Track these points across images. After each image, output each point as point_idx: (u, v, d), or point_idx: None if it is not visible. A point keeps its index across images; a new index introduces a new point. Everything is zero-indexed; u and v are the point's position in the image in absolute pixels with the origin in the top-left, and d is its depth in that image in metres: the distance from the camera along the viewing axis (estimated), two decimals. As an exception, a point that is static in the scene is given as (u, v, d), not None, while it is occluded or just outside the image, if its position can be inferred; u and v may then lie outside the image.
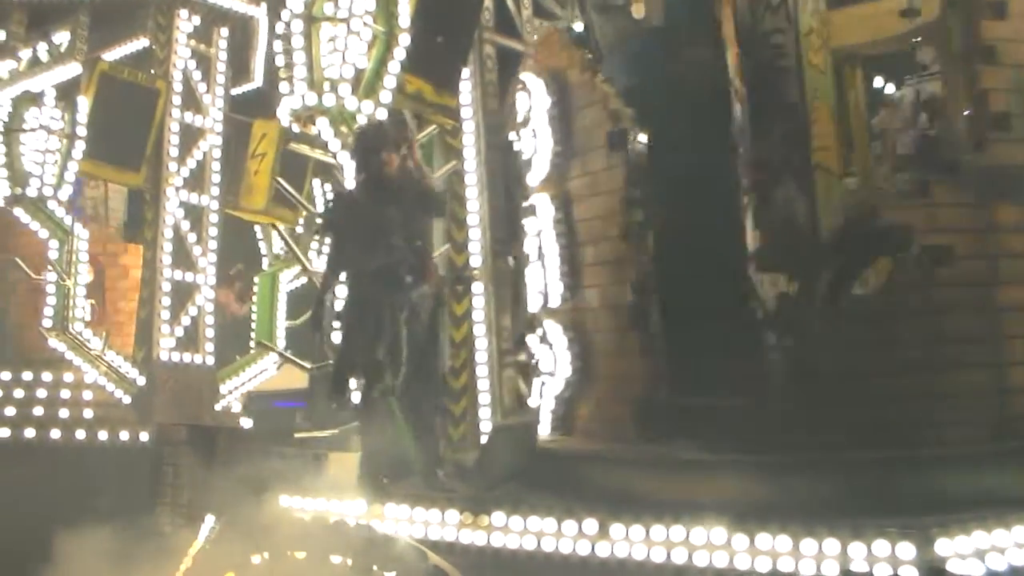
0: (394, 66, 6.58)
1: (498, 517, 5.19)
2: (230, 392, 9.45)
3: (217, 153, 9.37)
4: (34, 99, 8.30)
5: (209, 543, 5.98)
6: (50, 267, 8.28)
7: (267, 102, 10.04)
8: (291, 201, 9.75)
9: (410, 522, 5.54)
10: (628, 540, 4.68)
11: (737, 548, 4.38)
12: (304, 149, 7.19)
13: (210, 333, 9.21)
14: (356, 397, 5.92)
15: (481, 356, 7.26)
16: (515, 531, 5.11)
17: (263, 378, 9.77)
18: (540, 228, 6.08)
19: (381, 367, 5.71)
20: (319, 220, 6.15)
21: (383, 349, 5.71)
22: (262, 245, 10.40)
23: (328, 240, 6.79)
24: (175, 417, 8.74)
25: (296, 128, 6.95)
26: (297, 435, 7.69)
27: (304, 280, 10.17)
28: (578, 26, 7.78)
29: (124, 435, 8.36)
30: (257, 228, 10.33)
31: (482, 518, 5.27)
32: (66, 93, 8.31)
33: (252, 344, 9.87)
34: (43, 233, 8.30)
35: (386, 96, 6.56)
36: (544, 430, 5.97)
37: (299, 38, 6.51)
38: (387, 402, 5.78)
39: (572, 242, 5.99)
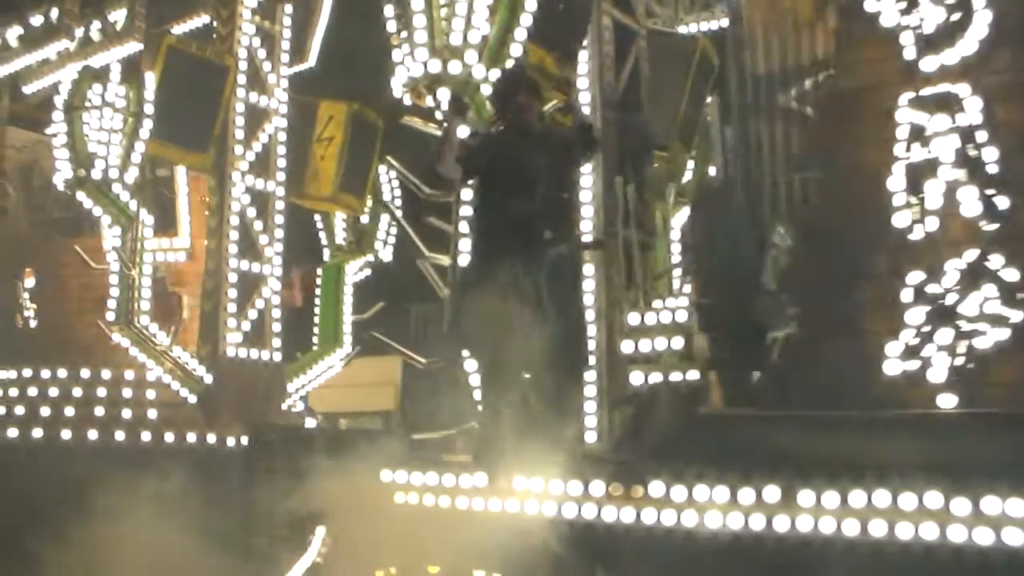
0: (520, 33, 5.99)
1: (656, 487, 4.55)
2: (296, 391, 8.83)
3: (282, 136, 8.73)
4: (97, 76, 7.67)
5: (322, 557, 5.35)
6: (112, 256, 7.66)
7: (323, 84, 9.53)
8: (359, 188, 9.17)
9: (542, 497, 4.87)
10: (819, 509, 4.12)
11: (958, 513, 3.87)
12: (416, 122, 6.56)
13: (277, 328, 8.58)
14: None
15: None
16: (676, 503, 4.48)
17: (329, 375, 9.15)
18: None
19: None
20: (459, 164, 5.50)
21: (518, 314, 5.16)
22: (322, 235, 9.76)
23: (467, 192, 6.03)
24: (242, 418, 8.12)
25: (407, 100, 6.30)
26: (415, 436, 7.05)
27: (368, 272, 9.59)
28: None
29: (191, 437, 7.73)
30: (317, 217, 9.70)
31: (635, 489, 4.61)
32: (132, 70, 7.68)
33: (315, 339, 9.27)
34: (105, 219, 7.68)
35: (511, 66, 5.96)
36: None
37: (419, 1, 5.93)
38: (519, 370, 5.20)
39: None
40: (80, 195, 7.55)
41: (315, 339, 9.24)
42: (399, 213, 9.40)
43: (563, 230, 5.38)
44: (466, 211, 5.92)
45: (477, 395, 5.76)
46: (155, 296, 7.84)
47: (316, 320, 9.25)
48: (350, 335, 9.14)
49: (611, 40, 6.74)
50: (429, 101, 6.13)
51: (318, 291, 9.39)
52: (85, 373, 7.99)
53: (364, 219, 9.39)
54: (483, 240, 5.50)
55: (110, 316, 7.62)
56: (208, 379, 7.93)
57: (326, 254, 9.59)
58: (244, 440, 7.89)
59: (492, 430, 5.36)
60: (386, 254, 9.46)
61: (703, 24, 8.11)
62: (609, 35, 6.73)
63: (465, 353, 5.81)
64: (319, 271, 9.41)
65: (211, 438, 7.80)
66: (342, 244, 9.49)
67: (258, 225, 8.48)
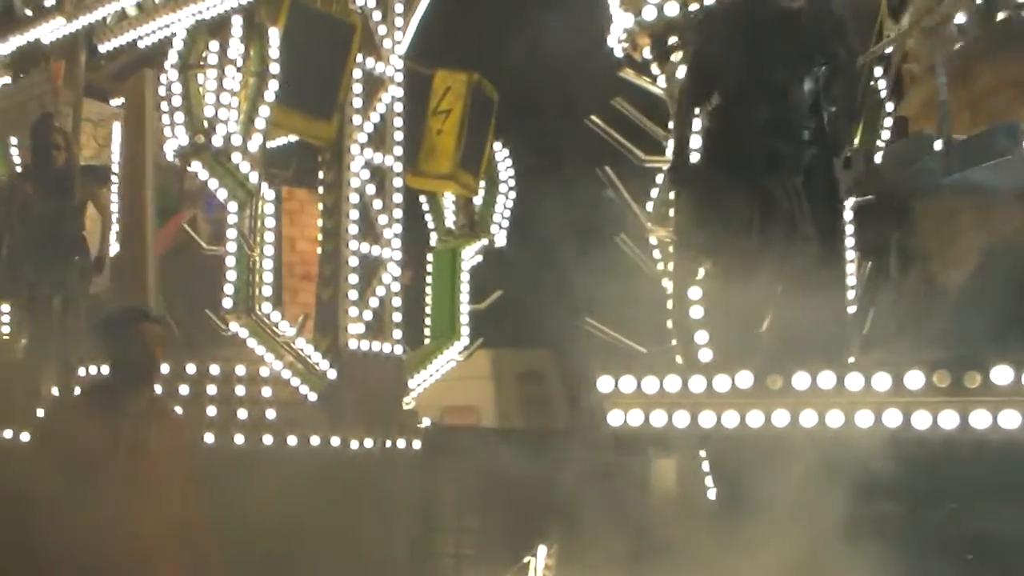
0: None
1: (1001, 373, 3.66)
2: (418, 387, 7.87)
3: (399, 107, 7.79)
4: (215, 30, 6.69)
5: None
6: (232, 236, 6.65)
7: (440, 52, 8.58)
8: (474, 166, 8.21)
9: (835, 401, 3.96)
10: None
11: None
12: (629, 74, 5.61)
13: (397, 317, 7.62)
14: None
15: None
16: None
17: (447, 369, 8.19)
18: None
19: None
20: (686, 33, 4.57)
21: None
22: (427, 217, 8.76)
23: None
24: (365, 418, 7.16)
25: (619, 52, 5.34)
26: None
27: (480, 259, 8.63)
28: None
29: (315, 440, 6.73)
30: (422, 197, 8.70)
31: (970, 377, 3.72)
32: (253, 24, 6.66)
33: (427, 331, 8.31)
34: (221, 193, 6.67)
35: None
36: None
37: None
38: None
39: None
40: (195, 165, 6.53)
41: (427, 331, 8.30)
42: (507, 189, 8.47)
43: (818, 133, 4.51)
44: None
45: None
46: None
47: (428, 310, 8.30)
48: (467, 326, 8.18)
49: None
50: (646, 53, 5.22)
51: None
52: (191, 368, 7.01)
53: (477, 200, 8.44)
54: (723, 157, 4.59)
55: (227, 303, 6.61)
56: (332, 375, 6.96)
57: (432, 238, 8.63)
58: (369, 443, 6.97)
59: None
60: (500, 238, 8.51)
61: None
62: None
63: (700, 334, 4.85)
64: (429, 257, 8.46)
65: (335, 441, 6.84)
66: (451, 228, 8.53)
67: (378, 204, 7.52)
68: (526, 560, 4.54)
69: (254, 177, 6.61)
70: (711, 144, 4.69)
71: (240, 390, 6.91)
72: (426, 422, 7.87)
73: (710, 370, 4.28)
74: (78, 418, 4.20)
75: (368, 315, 7.27)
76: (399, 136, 7.71)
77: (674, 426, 4.19)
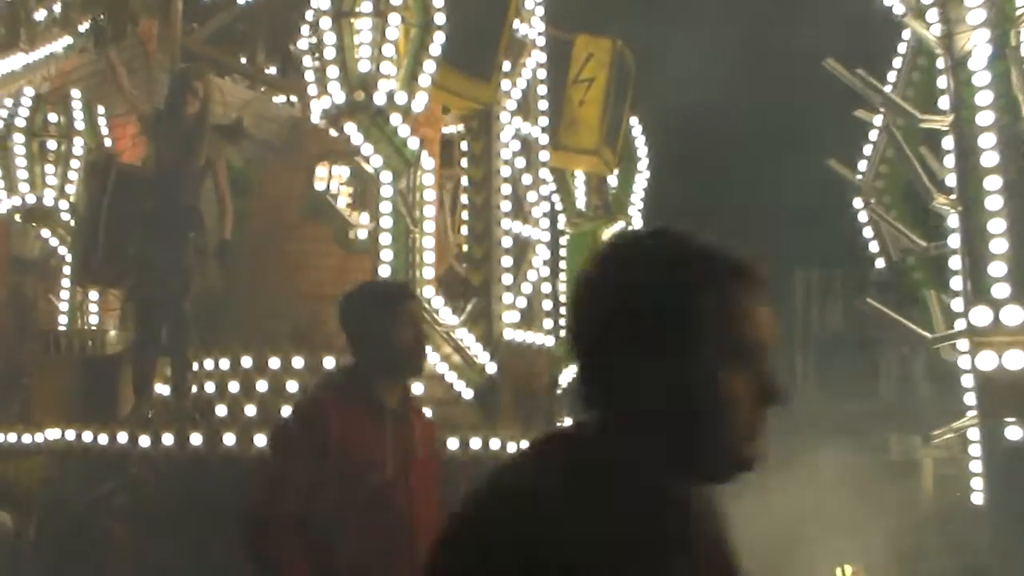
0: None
1: None
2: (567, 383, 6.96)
3: (543, 74, 6.93)
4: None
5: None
6: (386, 208, 5.71)
7: (583, 16, 7.70)
8: (613, 141, 7.34)
9: None
10: None
11: None
12: (914, 24, 4.76)
13: (547, 305, 6.73)
14: None
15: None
16: None
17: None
18: None
19: None
20: None
21: None
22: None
23: None
24: (522, 417, 6.25)
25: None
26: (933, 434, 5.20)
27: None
28: None
29: (476, 442, 5.81)
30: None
31: None
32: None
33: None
34: (376, 160, 5.74)
35: None
36: None
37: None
38: None
39: None
40: (348, 128, 5.60)
41: (563, 321, 7.40)
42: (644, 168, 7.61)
43: None
44: None
45: None
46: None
47: (564, 299, 7.40)
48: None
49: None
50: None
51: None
52: (330, 362, 6.06)
53: (612, 180, 7.57)
54: None
55: (386, 286, 5.68)
56: (491, 368, 6.05)
57: (560, 220, 7.73)
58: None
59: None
60: (637, 221, 7.63)
61: None
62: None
63: None
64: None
65: (495, 443, 5.92)
66: (582, 209, 7.64)
67: (527, 179, 6.64)
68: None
69: (413, 143, 5.68)
70: None
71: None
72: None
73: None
74: (336, 416, 3.28)
75: (522, 302, 6.38)
76: (544, 105, 6.84)
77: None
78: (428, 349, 5.77)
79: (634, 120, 7.62)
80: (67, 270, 7.09)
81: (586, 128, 7.10)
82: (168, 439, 5.63)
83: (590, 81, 7.12)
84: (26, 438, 6.68)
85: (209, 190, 6.13)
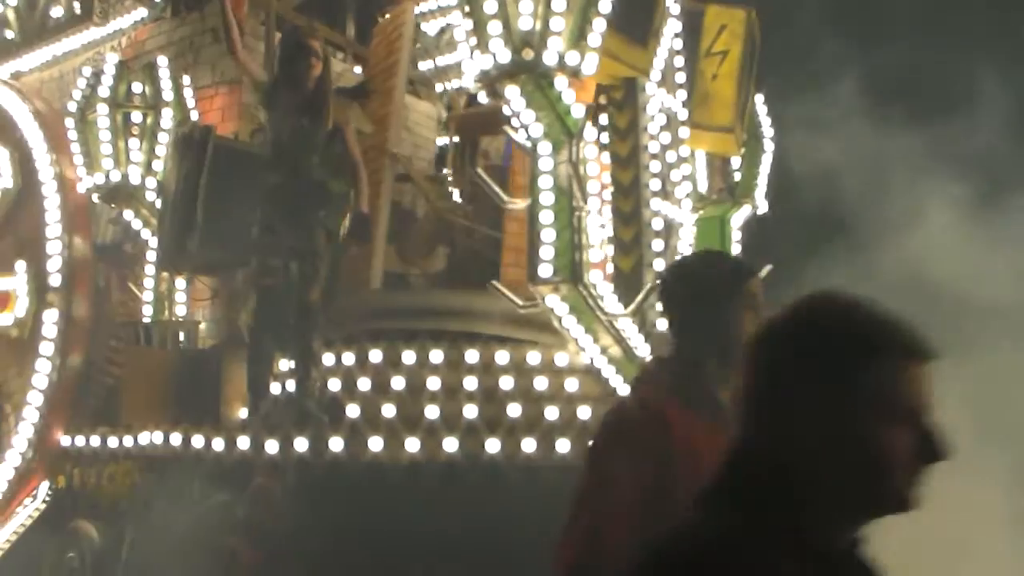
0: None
1: None
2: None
3: (678, 44, 6.27)
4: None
5: None
6: (546, 183, 5.00)
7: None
8: (740, 119, 6.67)
9: None
10: None
11: None
12: None
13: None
14: None
15: None
16: None
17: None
18: None
19: None
20: None
21: None
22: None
23: None
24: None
25: None
26: None
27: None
28: None
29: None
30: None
31: None
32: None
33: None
34: (535, 129, 5.03)
35: None
36: None
37: None
38: None
39: None
40: (509, 91, 4.89)
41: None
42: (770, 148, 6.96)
43: None
44: None
45: None
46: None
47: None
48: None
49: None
50: None
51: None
52: (473, 356, 5.35)
53: (736, 161, 6.90)
54: None
55: (544, 271, 4.96)
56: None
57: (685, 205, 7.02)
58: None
59: None
60: (763, 205, 6.98)
61: None
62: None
63: None
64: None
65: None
66: (703, 193, 6.96)
67: (671, 156, 5.97)
68: None
69: (578, 111, 4.98)
70: None
71: (541, 383, 5.29)
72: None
73: None
74: (679, 423, 2.58)
75: (671, 290, 5.70)
76: (681, 78, 6.18)
77: None
78: (591, 341, 5.19)
79: (759, 96, 7.00)
80: (151, 256, 6.31)
81: (720, 104, 6.43)
82: (301, 444, 4.89)
83: (723, 54, 6.46)
84: (111, 441, 5.92)
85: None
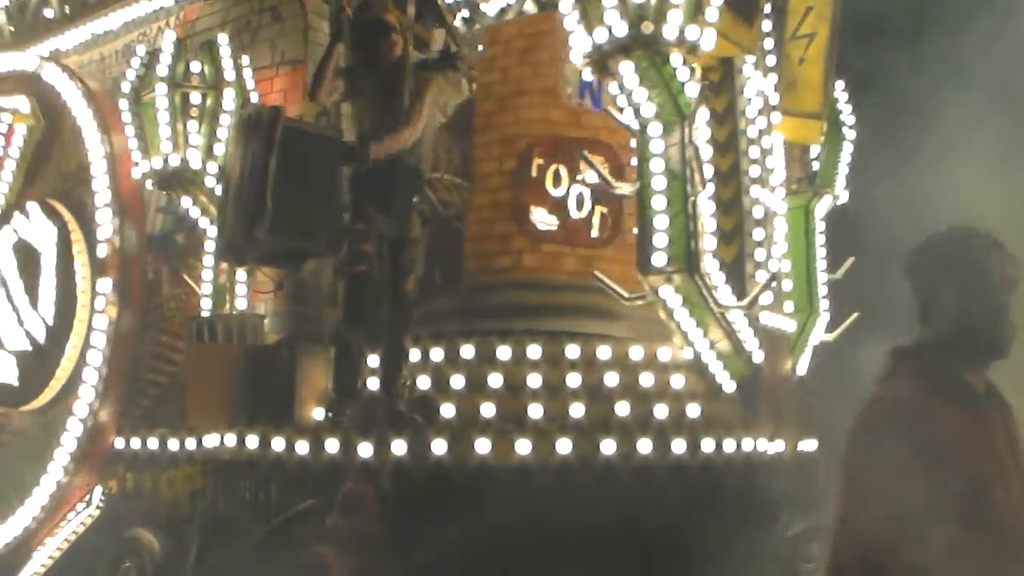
0: None
1: None
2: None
3: (767, 25, 5.92)
4: None
5: None
6: (657, 166, 4.64)
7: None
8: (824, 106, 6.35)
9: None
10: None
11: None
12: None
13: (787, 285, 5.76)
14: None
15: None
16: None
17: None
18: None
19: None
20: None
21: None
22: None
23: None
24: (772, 414, 5.25)
25: None
26: None
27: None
28: None
29: (730, 444, 4.76)
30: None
31: None
32: None
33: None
34: (647, 108, 4.67)
35: None
36: None
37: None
38: None
39: None
40: (623, 67, 4.53)
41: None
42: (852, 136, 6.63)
43: None
44: None
45: None
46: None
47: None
48: (826, 299, 6.30)
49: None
50: None
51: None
52: (574, 351, 4.99)
53: (815, 150, 6.58)
54: None
55: (657, 259, 4.61)
56: (758, 357, 5.04)
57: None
58: (779, 447, 5.06)
59: None
60: (843, 195, 6.66)
61: None
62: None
63: None
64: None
65: (747, 444, 4.88)
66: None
67: (766, 143, 5.64)
68: None
69: (691, 90, 4.64)
70: None
71: (647, 379, 4.94)
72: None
73: None
74: (944, 414, 2.26)
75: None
76: (771, 61, 5.85)
77: None
78: (700, 334, 4.84)
79: (840, 83, 6.68)
80: (209, 246, 5.89)
81: (807, 89, 6.11)
82: (399, 447, 4.51)
83: (810, 37, 6.15)
84: (172, 444, 5.51)
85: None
